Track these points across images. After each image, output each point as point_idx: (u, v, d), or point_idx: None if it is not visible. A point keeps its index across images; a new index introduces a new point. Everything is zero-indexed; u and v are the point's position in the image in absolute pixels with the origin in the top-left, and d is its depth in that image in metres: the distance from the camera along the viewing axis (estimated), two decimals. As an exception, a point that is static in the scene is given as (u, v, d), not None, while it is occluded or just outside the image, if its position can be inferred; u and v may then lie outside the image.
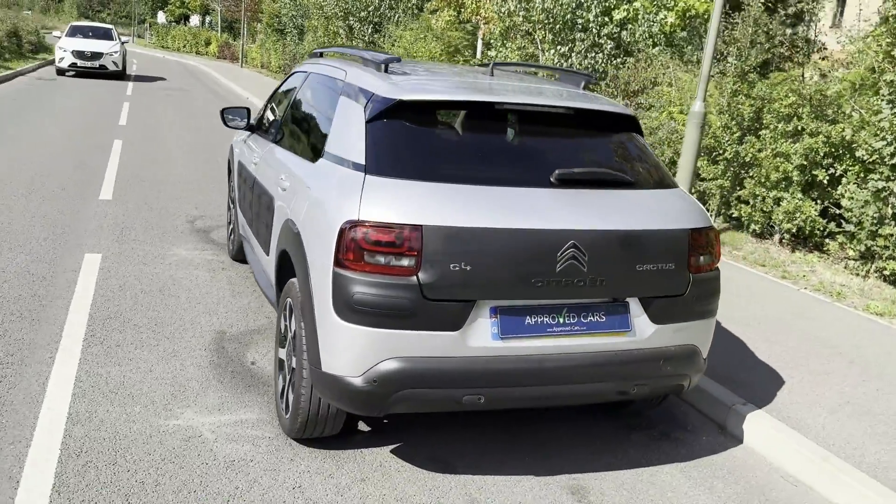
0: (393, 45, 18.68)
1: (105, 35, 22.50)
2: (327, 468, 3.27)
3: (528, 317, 3.02)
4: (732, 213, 8.22)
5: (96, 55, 20.87)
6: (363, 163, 3.07)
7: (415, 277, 2.85)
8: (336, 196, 3.07)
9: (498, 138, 3.33)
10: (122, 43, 23.05)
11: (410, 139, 3.17)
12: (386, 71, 3.55)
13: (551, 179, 3.14)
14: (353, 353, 2.90)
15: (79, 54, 20.68)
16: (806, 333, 5.26)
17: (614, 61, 11.32)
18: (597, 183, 3.25)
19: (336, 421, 3.29)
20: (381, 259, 2.85)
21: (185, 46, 48.41)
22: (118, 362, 4.06)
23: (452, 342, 2.91)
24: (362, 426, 3.66)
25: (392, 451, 3.45)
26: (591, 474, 3.44)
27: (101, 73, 21.28)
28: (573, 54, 11.33)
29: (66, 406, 3.57)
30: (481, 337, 2.95)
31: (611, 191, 3.26)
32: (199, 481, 3.10)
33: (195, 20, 60.31)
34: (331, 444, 3.45)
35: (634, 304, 3.20)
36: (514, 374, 2.98)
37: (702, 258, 3.32)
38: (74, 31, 22.15)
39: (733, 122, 8.05)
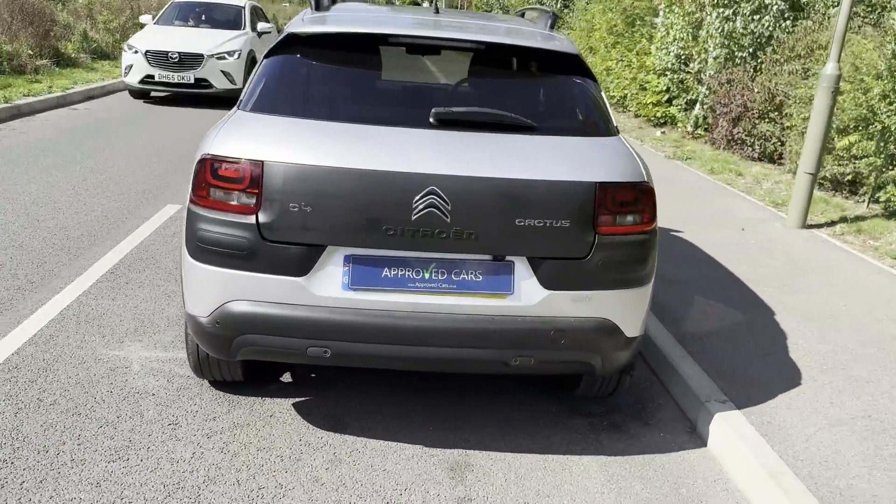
0: (577, 20, 18.12)
1: (225, 20, 12.67)
2: (215, 411, 3.25)
3: (385, 269, 2.76)
4: (879, 197, 6.99)
5: (190, 60, 11.15)
6: (242, 98, 2.99)
7: (254, 216, 2.71)
8: (210, 132, 3.00)
9: (399, 75, 3.07)
10: (261, 34, 12.77)
11: (295, 75, 3.01)
12: (317, 8, 3.41)
13: (430, 120, 2.83)
14: (201, 293, 2.83)
15: (158, 60, 11.10)
16: (882, 334, 4.33)
17: (783, 23, 10.04)
18: (487, 126, 2.87)
19: (232, 367, 3.24)
20: (224, 195, 2.74)
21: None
22: (114, 297, 4.33)
23: (296, 289, 2.74)
24: (287, 377, 3.59)
25: (295, 404, 3.35)
26: (487, 453, 3.10)
27: (202, 96, 11.51)
28: (737, 17, 10.21)
29: (36, 329, 3.86)
30: (330, 286, 2.75)
31: (504, 135, 2.87)
32: (91, 406, 3.21)
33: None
34: (242, 390, 3.42)
35: (521, 265, 2.80)
36: (363, 328, 2.74)
37: (617, 218, 2.83)
38: (174, 15, 12.65)
39: None
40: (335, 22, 3.14)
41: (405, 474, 2.92)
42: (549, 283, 2.80)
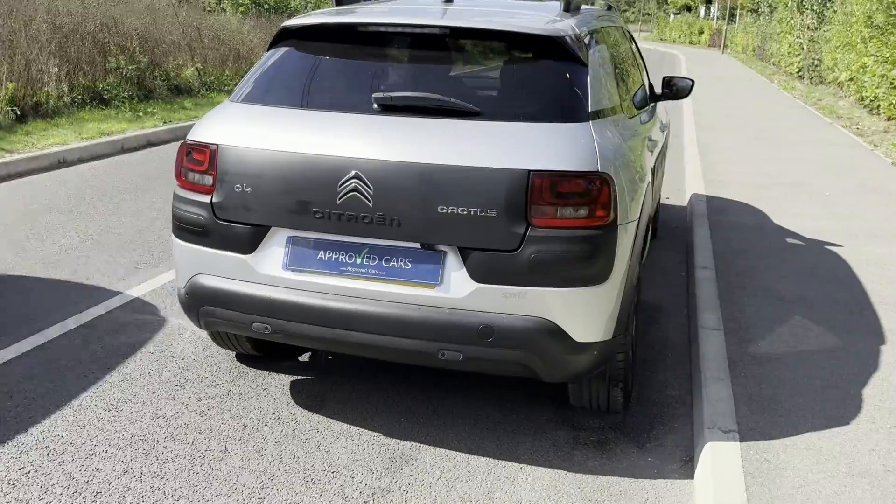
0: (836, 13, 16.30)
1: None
2: (221, 379, 3.51)
3: (321, 251, 2.81)
4: None
5: None
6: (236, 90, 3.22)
7: (209, 196, 2.92)
8: None
9: (361, 63, 3.08)
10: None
11: (276, 65, 3.15)
12: (338, 3, 3.56)
13: (374, 106, 2.83)
14: (179, 266, 3.10)
15: None
16: None
17: None
18: (433, 112, 2.78)
19: (240, 339, 3.48)
20: (192, 177, 2.98)
21: (679, 37, 48.65)
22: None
23: (242, 266, 2.89)
24: (305, 357, 3.77)
25: (293, 382, 3.51)
26: (441, 450, 3.00)
27: None
28: None
29: (139, 294, 4.44)
30: (272, 265, 2.86)
31: (447, 121, 2.76)
32: (128, 362, 3.64)
33: (702, 12, 59.85)
34: (259, 364, 3.66)
35: (453, 256, 2.69)
36: (297, 308, 2.81)
37: (558, 209, 2.60)
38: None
39: None
40: (327, 14, 3.24)
41: (343, 458, 2.94)
42: (478, 275, 2.65)
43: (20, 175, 7.46)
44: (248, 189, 2.83)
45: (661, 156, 4.97)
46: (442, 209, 2.63)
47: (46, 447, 2.95)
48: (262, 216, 2.83)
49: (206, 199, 2.92)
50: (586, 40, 3.07)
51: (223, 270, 2.92)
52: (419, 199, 2.64)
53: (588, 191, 2.62)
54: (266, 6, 21.70)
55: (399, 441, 3.06)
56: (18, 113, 9.23)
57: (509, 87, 2.88)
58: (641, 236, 3.01)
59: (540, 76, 2.89)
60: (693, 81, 5.10)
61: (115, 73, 10.98)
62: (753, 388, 3.28)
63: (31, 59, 9.79)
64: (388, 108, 2.80)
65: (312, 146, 2.76)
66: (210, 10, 19.75)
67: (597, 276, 2.67)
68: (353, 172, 2.68)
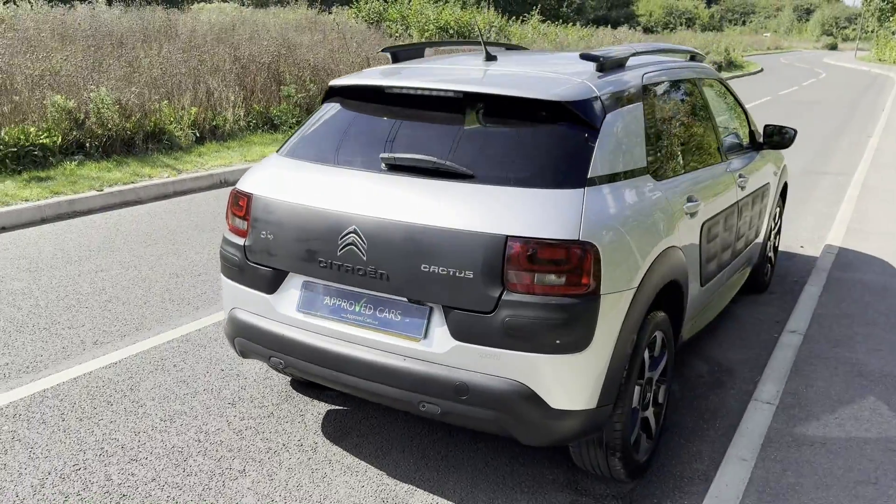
0: None
1: None
2: (265, 398, 3.84)
3: (327, 297, 3.03)
4: None
5: None
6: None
7: (244, 240, 3.24)
8: None
9: (385, 123, 3.24)
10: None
11: (319, 122, 3.42)
12: (394, 61, 3.79)
13: (381, 165, 3.01)
14: (224, 299, 3.45)
15: None
16: None
17: None
18: (433, 173, 2.91)
19: None
20: (233, 220, 3.33)
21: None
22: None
23: (266, 304, 3.18)
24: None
25: (330, 410, 3.76)
26: (428, 496, 3.11)
27: None
28: None
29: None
30: (289, 306, 3.12)
31: (443, 182, 2.87)
32: (194, 374, 4.08)
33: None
34: (301, 387, 3.95)
35: (438, 312, 2.81)
36: (304, 348, 3.05)
37: (535, 276, 2.64)
38: None
39: None
40: (370, 75, 3.46)
41: (340, 493, 3.12)
42: (458, 333, 2.75)
43: (185, 193, 8.42)
44: (270, 236, 3.11)
45: (763, 203, 4.73)
46: (425, 268, 2.75)
47: (102, 449, 3.39)
48: (281, 261, 3.10)
49: (241, 241, 3.24)
50: (607, 102, 3.05)
51: (252, 306, 3.22)
52: (405, 257, 2.79)
53: (565, 259, 2.63)
54: (451, 32, 22.58)
55: (399, 482, 3.19)
56: (198, 135, 10.37)
57: (508, 150, 2.93)
58: (646, 302, 2.94)
59: (539, 141, 2.92)
60: (796, 132, 4.81)
61: (287, 101, 11.97)
62: (775, 474, 3.08)
63: (212, 88, 10.94)
64: (393, 167, 2.97)
65: (322, 201, 2.98)
66: (396, 36, 20.91)
67: (573, 345, 2.67)
68: (352, 227, 2.87)
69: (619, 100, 3.18)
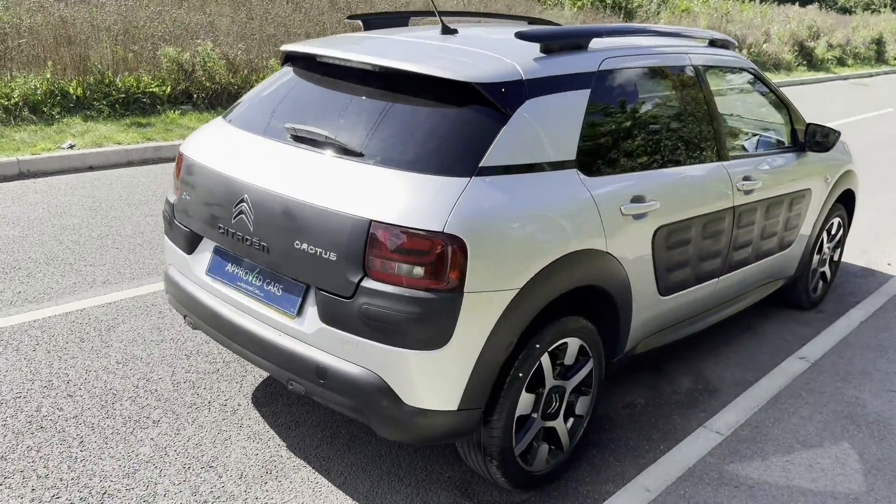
0: None
1: None
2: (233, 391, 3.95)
3: (229, 264, 3.04)
4: None
5: None
6: None
7: (175, 199, 3.31)
8: None
9: (310, 92, 3.16)
10: None
11: (263, 88, 3.39)
12: (366, 28, 3.70)
13: (288, 136, 2.95)
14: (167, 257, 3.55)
15: None
16: None
17: None
18: (330, 146, 2.82)
19: None
20: (174, 181, 3.40)
21: None
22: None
23: (186, 264, 3.24)
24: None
25: (253, 377, 3.80)
26: (316, 476, 3.08)
27: None
28: None
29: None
30: (201, 268, 3.17)
31: (336, 158, 2.77)
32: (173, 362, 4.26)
33: None
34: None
35: (313, 290, 2.75)
36: (207, 312, 3.08)
37: (397, 265, 2.51)
38: None
39: None
40: (311, 43, 3.38)
41: (231, 457, 3.15)
42: (323, 315, 2.67)
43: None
44: (189, 197, 3.16)
45: (797, 210, 4.26)
46: (297, 244, 2.69)
47: (49, 382, 3.62)
48: (195, 223, 3.14)
49: (173, 200, 3.31)
50: (532, 87, 2.82)
51: (178, 265, 3.30)
52: (282, 231, 2.73)
53: (426, 251, 2.48)
54: (605, 3, 21.74)
55: (293, 456, 3.18)
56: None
57: (405, 131, 2.77)
58: (536, 306, 2.72)
59: (439, 123, 2.75)
60: (839, 134, 4.27)
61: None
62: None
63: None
64: (298, 138, 2.90)
65: (226, 167, 2.98)
66: (548, 5, 20.41)
67: (429, 341, 2.52)
68: (243, 196, 2.86)
69: (554, 85, 2.93)
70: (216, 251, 3.09)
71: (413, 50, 3.10)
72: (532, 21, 4.54)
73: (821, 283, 5.12)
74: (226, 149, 3.09)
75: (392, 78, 2.90)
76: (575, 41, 3.14)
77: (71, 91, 8.95)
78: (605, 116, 3.14)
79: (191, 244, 3.19)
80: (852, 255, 6.27)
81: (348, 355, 2.62)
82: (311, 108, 3.07)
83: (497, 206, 2.60)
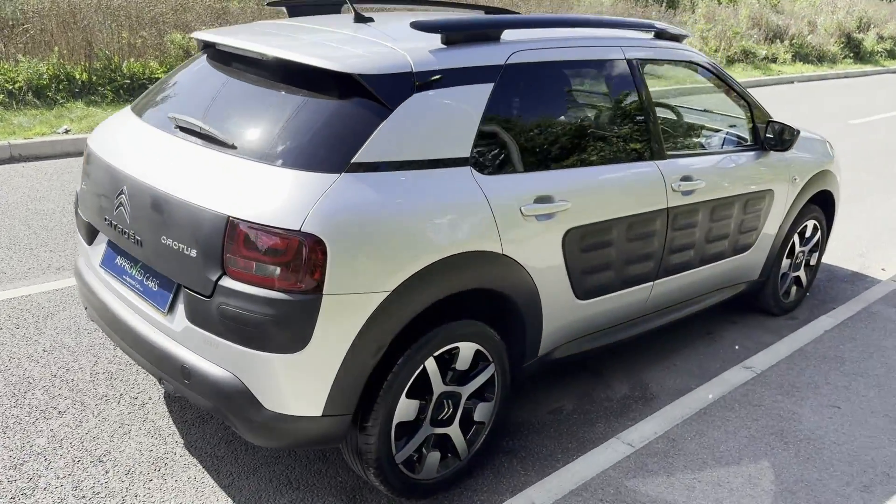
0: None
1: None
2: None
3: (119, 257, 2.99)
4: None
5: None
6: None
7: (79, 189, 3.28)
8: None
9: (208, 81, 3.07)
10: None
11: (171, 76, 3.32)
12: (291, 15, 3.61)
13: (174, 127, 2.88)
14: None
15: None
16: None
17: None
18: (208, 139, 2.73)
19: None
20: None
21: None
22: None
23: (87, 254, 3.20)
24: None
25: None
26: (204, 475, 3.02)
27: None
28: None
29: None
30: (97, 259, 3.13)
31: (212, 151, 2.69)
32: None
33: None
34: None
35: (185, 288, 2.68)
36: (96, 302, 3.04)
37: (255, 264, 2.42)
38: None
39: None
40: (219, 31, 3.29)
41: (125, 452, 3.11)
42: (189, 314, 2.60)
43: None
44: (86, 188, 3.11)
45: (756, 212, 4.06)
46: (164, 239, 2.62)
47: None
48: (90, 214, 3.10)
49: (78, 190, 3.27)
50: (423, 80, 2.69)
51: (83, 256, 3.27)
52: (152, 225, 2.67)
53: (283, 251, 2.38)
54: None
55: (186, 454, 3.13)
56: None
57: (281, 123, 2.65)
58: (413, 309, 2.60)
59: (316, 116, 2.63)
60: (797, 132, 4.04)
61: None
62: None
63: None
64: (183, 129, 2.83)
65: (113, 157, 2.92)
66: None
67: (286, 345, 2.42)
68: (123, 187, 2.80)
69: (451, 78, 2.79)
70: (109, 243, 3.05)
71: (310, 39, 2.99)
72: (489, 10, 4.38)
73: (794, 288, 4.87)
74: (118, 139, 3.04)
75: (277, 68, 2.81)
76: (483, 32, 3.00)
77: (77, 76, 9.06)
78: (510, 112, 3.00)
79: (91, 235, 3.16)
80: (846, 258, 5.99)
81: (211, 356, 2.55)
82: (203, 97, 2.99)
83: (367, 205, 2.49)
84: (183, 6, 10.37)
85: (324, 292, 2.40)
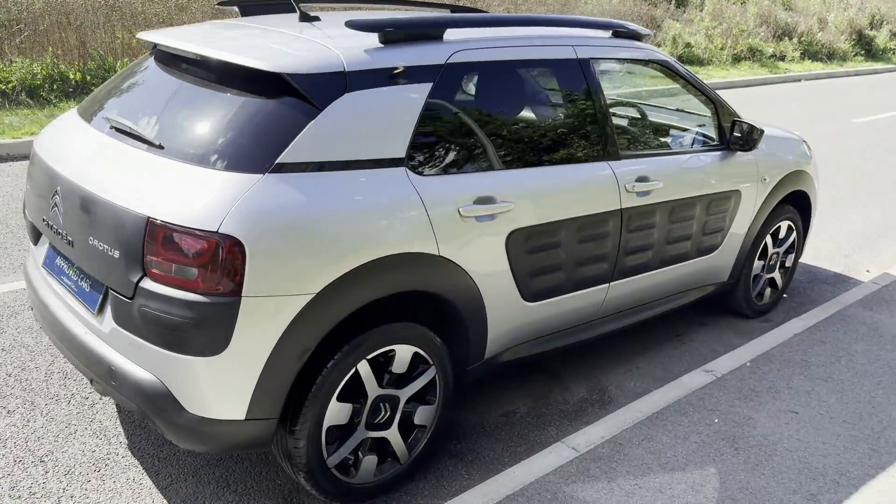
0: None
1: None
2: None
3: (58, 257, 2.99)
4: None
5: None
6: None
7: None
8: None
9: (149, 81, 3.05)
10: None
11: (117, 76, 3.32)
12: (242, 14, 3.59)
13: (108, 126, 2.87)
14: None
15: None
16: None
17: None
18: (139, 138, 2.72)
19: None
20: None
21: None
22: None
23: (33, 255, 3.21)
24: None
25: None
26: (144, 477, 3.02)
27: None
28: None
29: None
30: (40, 259, 3.13)
31: (137, 150, 2.67)
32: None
33: None
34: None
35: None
36: (39, 305, 3.04)
37: (174, 266, 2.40)
38: None
39: None
40: (171, 30, 3.28)
41: (67, 452, 3.11)
42: (114, 315, 2.59)
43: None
44: (30, 188, 3.12)
45: (721, 213, 4.00)
46: (91, 240, 2.61)
47: None
48: (32, 214, 3.10)
49: (24, 192, 3.28)
50: (355, 80, 2.66)
51: (31, 256, 3.27)
52: (81, 225, 2.66)
53: (200, 252, 2.36)
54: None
55: (127, 455, 3.13)
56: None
57: (209, 123, 2.63)
58: (337, 312, 2.58)
59: (243, 116, 2.60)
60: (761, 132, 3.97)
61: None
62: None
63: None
64: (116, 129, 2.82)
65: (51, 158, 2.92)
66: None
67: (205, 347, 2.41)
68: (56, 187, 2.79)
69: (385, 78, 2.76)
70: (49, 244, 3.05)
71: (250, 39, 2.97)
72: (455, 9, 4.35)
73: (769, 290, 4.80)
74: (59, 140, 3.04)
75: (211, 68, 2.80)
76: (423, 31, 2.96)
77: (70, 76, 9.11)
78: (450, 112, 2.96)
79: (35, 236, 3.17)
80: (832, 259, 5.90)
81: (135, 358, 2.54)
82: (142, 98, 2.99)
83: (290, 206, 2.47)
84: (179, 6, 10.39)
85: (243, 295, 2.38)
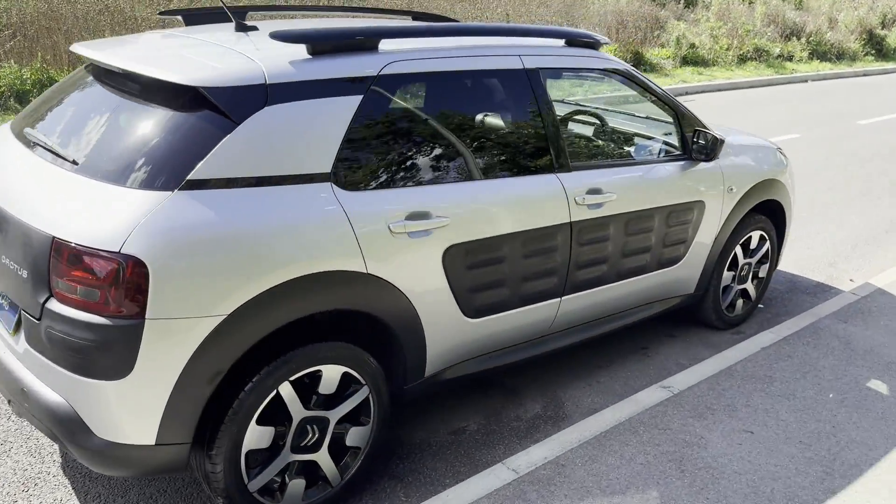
0: None
1: None
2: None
3: (-8, 280, 2.93)
4: None
5: None
6: None
7: None
8: None
9: (74, 94, 2.99)
10: None
11: (53, 88, 3.26)
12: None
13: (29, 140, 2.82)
14: None
15: None
16: None
17: None
18: (53, 153, 2.66)
19: None
20: None
21: None
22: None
23: None
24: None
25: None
26: (86, 486, 2.96)
27: None
28: None
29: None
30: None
31: (52, 166, 2.60)
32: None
33: None
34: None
35: (26, 308, 2.61)
36: None
37: (78, 287, 2.34)
38: None
39: None
40: (102, 41, 3.22)
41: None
42: (26, 336, 2.53)
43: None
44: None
45: (684, 225, 3.93)
46: (3, 258, 2.56)
47: None
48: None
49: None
50: (276, 92, 2.59)
51: None
52: (-5, 245, 2.61)
53: (102, 273, 2.29)
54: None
55: (72, 467, 3.07)
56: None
57: (121, 139, 2.56)
58: (252, 335, 2.50)
59: (155, 130, 2.53)
60: (721, 141, 3.86)
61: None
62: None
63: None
64: (35, 145, 2.76)
65: None
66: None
67: (109, 371, 2.34)
68: (-28, 205, 2.74)
69: (312, 90, 2.69)
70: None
71: (178, 51, 2.90)
72: (417, 16, 4.27)
73: (741, 301, 4.68)
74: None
75: (130, 81, 2.74)
76: (356, 42, 2.89)
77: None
78: (380, 125, 2.88)
79: None
80: (816, 268, 5.77)
81: (46, 380, 2.48)
82: (66, 112, 2.93)
83: (199, 225, 2.39)
84: (167, 9, 10.35)
85: (147, 317, 2.32)
